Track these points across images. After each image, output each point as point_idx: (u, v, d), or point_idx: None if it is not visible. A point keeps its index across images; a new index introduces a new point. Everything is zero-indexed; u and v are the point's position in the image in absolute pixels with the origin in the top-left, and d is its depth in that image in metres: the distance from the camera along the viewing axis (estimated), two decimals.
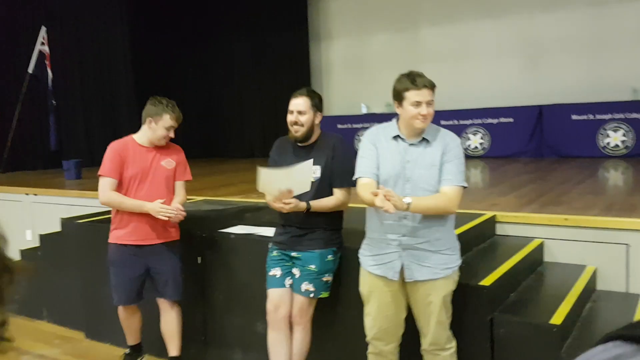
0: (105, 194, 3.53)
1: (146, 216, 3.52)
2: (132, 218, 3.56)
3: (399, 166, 2.67)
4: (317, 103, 3.17)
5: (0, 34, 9.74)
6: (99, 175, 3.55)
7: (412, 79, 2.63)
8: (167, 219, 3.49)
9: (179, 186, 3.73)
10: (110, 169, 3.53)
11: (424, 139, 2.69)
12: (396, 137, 2.73)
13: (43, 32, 9.58)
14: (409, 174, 2.66)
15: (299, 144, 3.20)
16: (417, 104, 2.61)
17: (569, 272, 3.74)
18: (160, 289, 3.70)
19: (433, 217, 2.64)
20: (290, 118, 3.14)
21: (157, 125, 3.56)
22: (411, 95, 2.61)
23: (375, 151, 2.73)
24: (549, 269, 3.91)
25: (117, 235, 3.62)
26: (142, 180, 3.58)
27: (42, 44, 9.59)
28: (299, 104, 3.13)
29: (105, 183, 3.53)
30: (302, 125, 3.12)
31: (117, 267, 3.65)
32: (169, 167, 3.66)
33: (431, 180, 2.64)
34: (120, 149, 3.59)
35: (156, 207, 3.47)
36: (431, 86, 2.64)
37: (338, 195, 3.13)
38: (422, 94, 2.61)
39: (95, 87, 10.80)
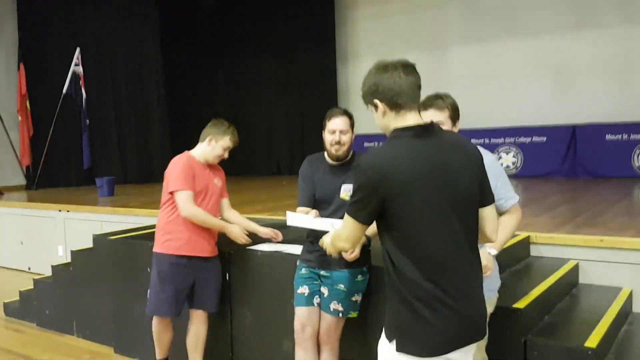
0: (189, 207, 3.54)
1: (202, 229, 3.60)
2: (190, 230, 3.59)
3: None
4: (353, 122, 3.19)
5: (36, 55, 10.04)
6: (174, 191, 3.57)
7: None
8: (244, 242, 3.67)
9: (227, 204, 3.87)
10: (187, 183, 3.56)
11: None
12: None
13: (77, 53, 9.85)
14: None
15: (333, 163, 3.18)
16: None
17: (605, 295, 3.65)
18: (200, 301, 3.72)
19: None
20: (331, 138, 3.11)
21: (217, 144, 3.66)
22: None
23: None
24: (584, 291, 3.82)
25: (173, 246, 3.61)
26: (205, 197, 3.66)
27: (76, 64, 9.86)
28: (340, 123, 3.12)
29: (187, 196, 3.55)
30: (343, 144, 3.11)
31: (167, 278, 3.63)
32: (219, 185, 3.78)
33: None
34: (190, 163, 3.64)
35: (237, 232, 3.65)
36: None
37: None
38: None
39: (127, 106, 11.02)
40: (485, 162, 2.57)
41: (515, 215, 2.73)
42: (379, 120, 2.04)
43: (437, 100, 2.65)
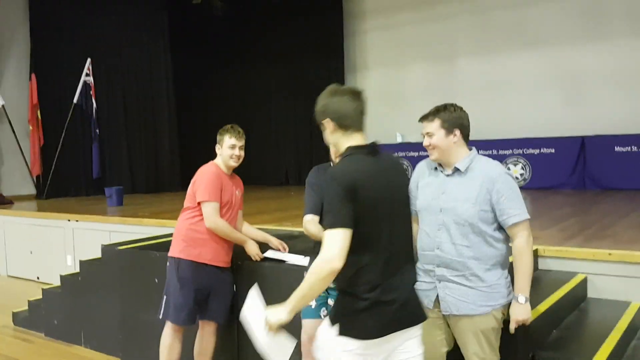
0: (214, 219, 3.60)
1: (222, 240, 3.66)
2: (211, 239, 3.63)
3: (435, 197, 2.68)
4: None
5: (47, 65, 10.14)
6: (202, 202, 3.60)
7: None
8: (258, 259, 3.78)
9: (240, 215, 3.94)
10: (215, 194, 3.62)
11: (457, 169, 2.65)
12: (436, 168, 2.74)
13: (88, 63, 9.96)
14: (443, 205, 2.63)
15: None
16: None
17: (613, 309, 3.62)
18: (212, 312, 3.73)
19: (466, 252, 2.57)
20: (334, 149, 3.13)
21: (223, 146, 3.73)
22: None
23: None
24: (592, 305, 3.79)
25: (193, 253, 3.63)
26: (230, 208, 3.72)
27: (87, 75, 9.96)
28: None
29: (213, 207, 3.61)
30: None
31: (188, 284, 3.62)
32: (239, 196, 3.86)
33: (467, 213, 2.58)
34: (219, 174, 3.70)
35: (255, 249, 3.78)
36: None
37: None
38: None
39: (137, 116, 11.10)
40: (492, 175, 2.59)
41: (518, 242, 2.56)
42: (328, 136, 2.36)
43: (430, 112, 2.68)
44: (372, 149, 2.28)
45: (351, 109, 2.28)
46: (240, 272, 3.96)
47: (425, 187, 2.72)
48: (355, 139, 2.28)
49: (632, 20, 8.69)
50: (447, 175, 2.67)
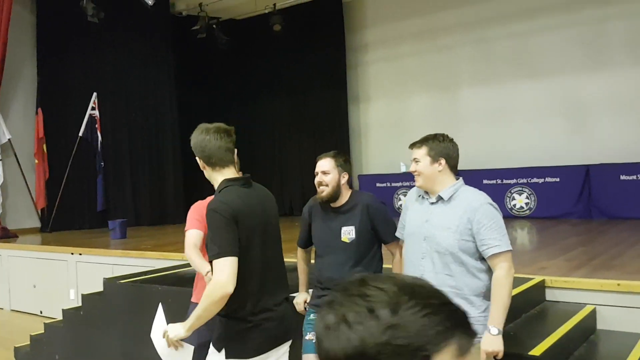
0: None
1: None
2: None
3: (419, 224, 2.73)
4: (342, 164, 3.19)
5: (54, 99, 10.25)
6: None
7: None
8: None
9: None
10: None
11: (440, 197, 2.68)
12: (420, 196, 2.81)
13: (94, 97, 10.06)
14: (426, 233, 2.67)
15: (331, 205, 3.19)
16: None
17: (624, 341, 3.53)
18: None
19: (448, 281, 2.55)
20: (316, 180, 3.18)
21: None
22: None
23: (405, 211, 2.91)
24: (602, 338, 3.71)
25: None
26: None
27: (93, 108, 10.06)
28: (322, 165, 3.19)
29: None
30: (326, 185, 3.13)
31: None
32: None
33: (447, 241, 2.59)
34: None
35: None
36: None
37: (395, 252, 3.15)
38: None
39: (142, 149, 11.15)
40: (474, 205, 2.60)
41: (497, 273, 2.51)
42: (204, 171, 2.59)
43: (418, 140, 2.78)
44: (246, 181, 2.55)
45: (215, 147, 2.47)
46: None
47: (411, 213, 2.80)
48: (226, 174, 2.51)
49: (632, 49, 8.74)
50: (431, 203, 2.71)
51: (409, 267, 2.71)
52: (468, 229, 2.55)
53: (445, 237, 2.57)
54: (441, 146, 2.69)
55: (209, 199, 3.70)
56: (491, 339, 2.50)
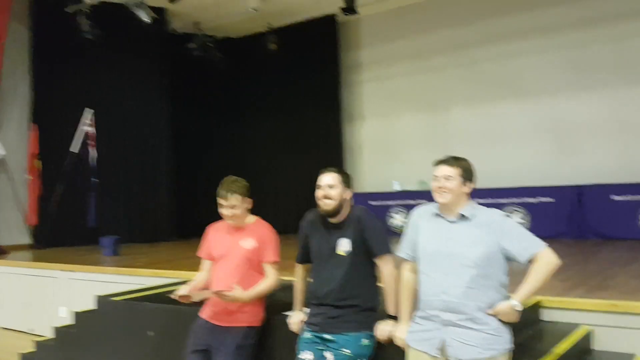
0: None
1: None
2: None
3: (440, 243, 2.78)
4: (346, 180, 3.23)
5: (48, 115, 10.23)
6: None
7: None
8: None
9: (266, 268, 3.67)
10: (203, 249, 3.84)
11: (463, 216, 2.78)
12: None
13: (88, 114, 10.05)
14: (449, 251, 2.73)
15: (330, 220, 3.21)
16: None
17: None
18: None
19: (473, 295, 2.63)
20: (319, 192, 3.20)
21: None
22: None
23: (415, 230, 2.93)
24: (597, 358, 3.70)
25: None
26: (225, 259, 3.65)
27: (88, 125, 10.04)
28: (328, 179, 3.21)
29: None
30: (331, 198, 3.15)
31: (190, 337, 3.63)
32: (245, 247, 3.64)
33: (473, 257, 2.68)
34: (213, 227, 3.88)
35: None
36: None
37: (383, 266, 3.12)
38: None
39: (135, 166, 11.09)
40: (496, 219, 2.76)
41: (539, 262, 2.74)
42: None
43: (451, 158, 2.85)
44: None
45: None
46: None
47: (427, 232, 2.83)
48: None
49: (620, 70, 8.88)
50: (451, 222, 2.79)
51: (429, 285, 2.75)
52: (495, 242, 2.70)
53: (474, 252, 2.67)
54: (472, 170, 2.86)
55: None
56: (513, 312, 2.66)
